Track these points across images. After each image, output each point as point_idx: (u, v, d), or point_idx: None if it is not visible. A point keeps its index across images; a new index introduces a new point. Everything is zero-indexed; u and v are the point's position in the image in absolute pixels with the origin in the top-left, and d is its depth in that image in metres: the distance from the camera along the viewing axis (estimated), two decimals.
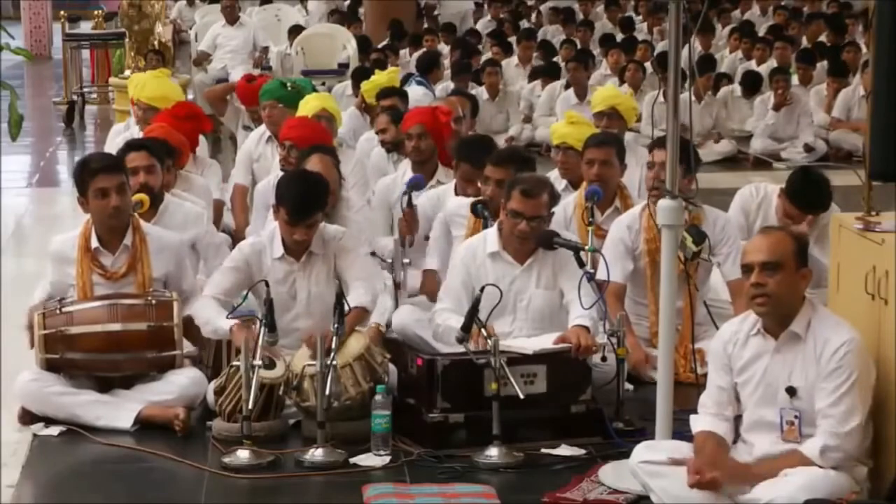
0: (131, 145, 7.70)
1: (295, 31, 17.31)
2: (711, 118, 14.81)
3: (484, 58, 16.50)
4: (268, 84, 10.15)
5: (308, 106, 9.13)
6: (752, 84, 15.49)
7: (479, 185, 7.42)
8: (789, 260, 5.14)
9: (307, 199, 6.56)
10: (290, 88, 9.81)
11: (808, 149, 14.40)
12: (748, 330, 5.28)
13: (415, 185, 7.88)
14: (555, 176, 8.29)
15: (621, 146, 7.94)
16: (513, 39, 18.44)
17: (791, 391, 5.13)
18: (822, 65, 16.31)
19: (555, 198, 6.76)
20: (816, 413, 5.06)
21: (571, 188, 8.14)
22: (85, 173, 6.64)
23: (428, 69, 13.88)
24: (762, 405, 5.20)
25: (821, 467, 4.98)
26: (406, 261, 7.47)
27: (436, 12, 21.56)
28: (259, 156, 9.53)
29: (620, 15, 21.28)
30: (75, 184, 6.76)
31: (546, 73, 16.00)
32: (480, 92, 14.81)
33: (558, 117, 13.12)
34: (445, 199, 7.76)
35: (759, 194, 7.84)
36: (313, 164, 7.37)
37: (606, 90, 10.20)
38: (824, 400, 5.05)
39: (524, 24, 20.91)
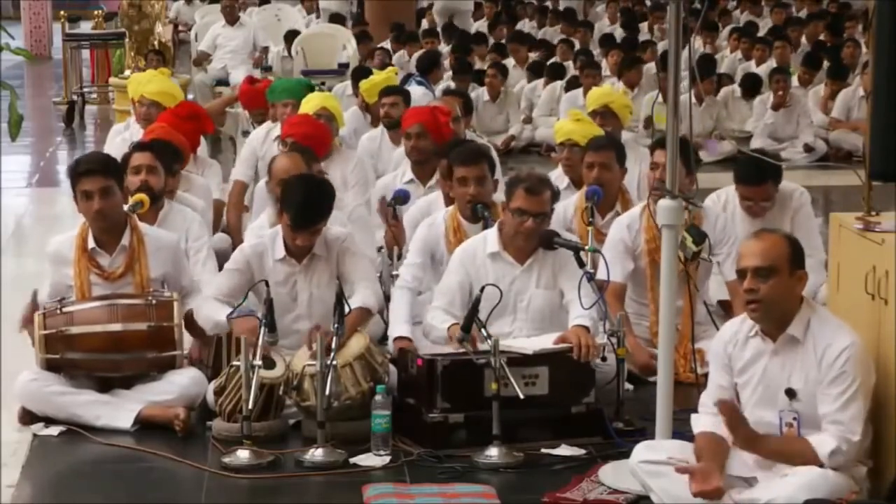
0: (138, 146, 7.72)
1: (291, 35, 17.30)
2: (712, 120, 14.81)
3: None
4: (286, 82, 10.15)
5: (309, 104, 9.15)
6: (751, 86, 15.47)
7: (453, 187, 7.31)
8: (783, 264, 5.13)
9: (311, 208, 6.50)
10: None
11: (808, 149, 14.39)
12: (747, 331, 5.27)
13: (399, 199, 7.86)
14: (556, 175, 8.28)
15: (621, 150, 7.93)
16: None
17: (790, 393, 5.13)
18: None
19: (555, 195, 6.77)
20: (821, 417, 5.05)
21: (574, 187, 8.13)
22: (73, 174, 6.66)
23: (428, 69, 13.87)
24: (761, 406, 5.20)
25: (820, 465, 4.98)
26: (395, 273, 7.41)
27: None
28: (265, 154, 9.47)
29: (623, 19, 21.22)
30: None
31: (550, 74, 15.99)
32: (481, 93, 14.79)
33: (561, 116, 13.10)
34: (435, 207, 7.70)
35: (722, 197, 7.96)
36: (282, 161, 7.36)
37: (600, 89, 10.29)
38: (830, 405, 5.04)
39: (526, 24, 20.85)
